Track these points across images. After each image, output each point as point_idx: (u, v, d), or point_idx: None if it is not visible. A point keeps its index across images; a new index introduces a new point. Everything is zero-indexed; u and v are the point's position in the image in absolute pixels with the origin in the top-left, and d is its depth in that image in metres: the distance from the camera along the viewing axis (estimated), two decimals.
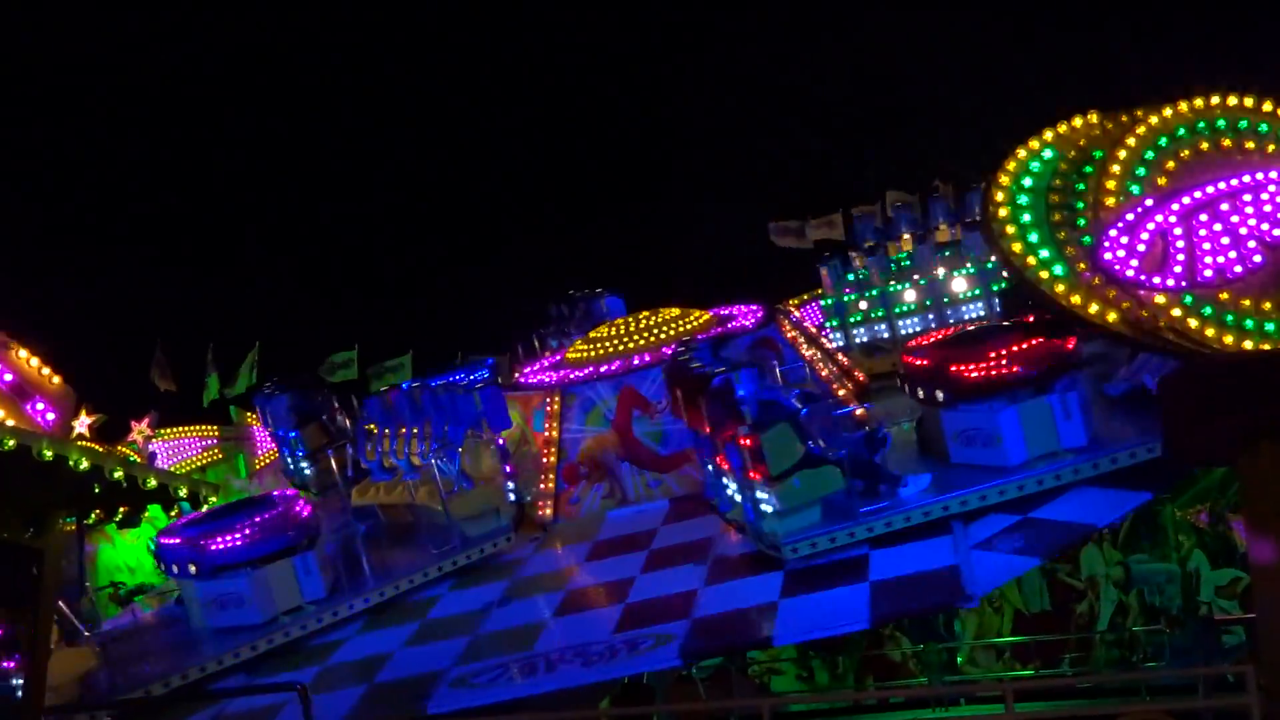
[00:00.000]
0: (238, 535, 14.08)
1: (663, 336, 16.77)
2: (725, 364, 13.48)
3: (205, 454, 23.85)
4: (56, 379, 10.70)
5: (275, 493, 16.44)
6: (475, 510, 15.46)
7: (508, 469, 15.62)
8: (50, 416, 10.31)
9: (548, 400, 16.24)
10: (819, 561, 12.00)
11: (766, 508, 12.37)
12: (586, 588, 13.59)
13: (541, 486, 16.02)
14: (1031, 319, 13.29)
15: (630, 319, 17.71)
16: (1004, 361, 12.33)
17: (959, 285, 17.77)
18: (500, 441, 15.67)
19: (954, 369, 12.66)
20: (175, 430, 23.66)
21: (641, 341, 16.74)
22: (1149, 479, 11.91)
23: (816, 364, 16.43)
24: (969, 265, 17.79)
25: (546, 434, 16.12)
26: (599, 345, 17.13)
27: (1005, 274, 15.38)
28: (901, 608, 11.51)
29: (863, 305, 18.29)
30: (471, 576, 14.73)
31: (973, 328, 14.90)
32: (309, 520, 14.60)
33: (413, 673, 12.11)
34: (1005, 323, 14.18)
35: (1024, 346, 12.36)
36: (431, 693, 11.32)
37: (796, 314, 18.86)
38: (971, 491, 12.16)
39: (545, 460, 16.10)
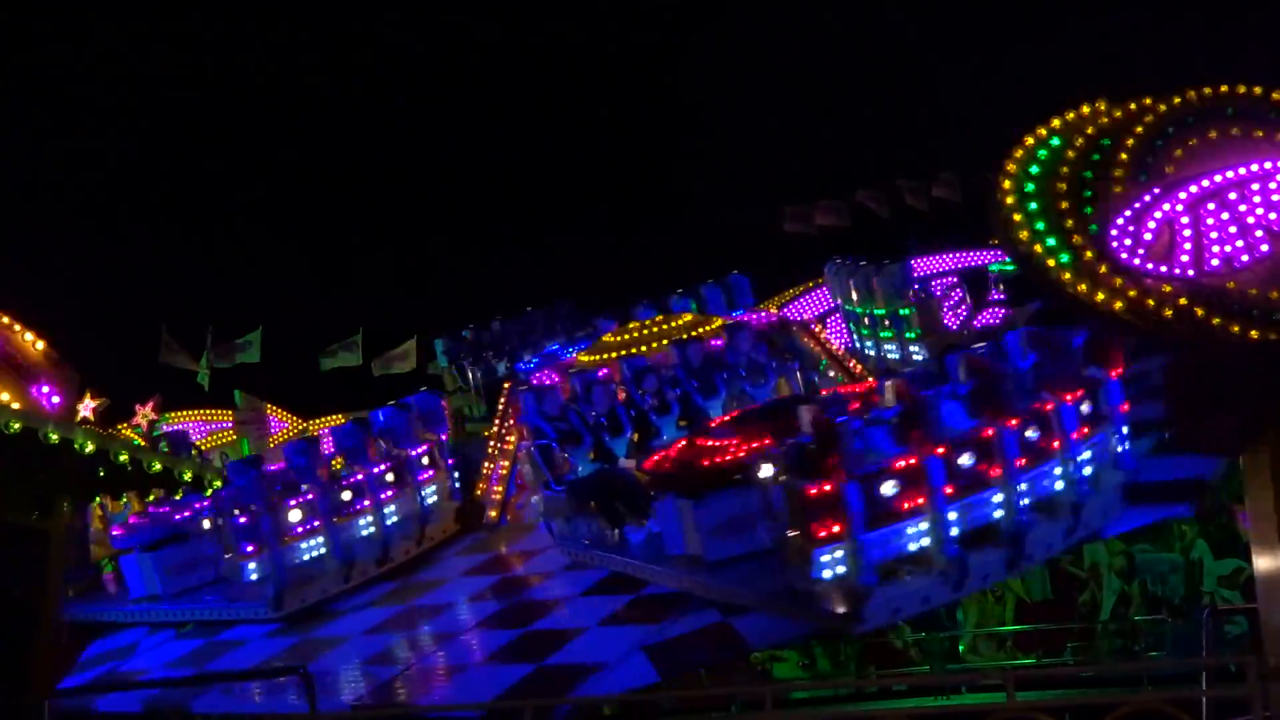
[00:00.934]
0: (132, 522, 15.00)
1: (644, 347, 16.57)
2: (685, 370, 14.70)
3: (212, 436, 23.90)
4: (30, 335, 10.67)
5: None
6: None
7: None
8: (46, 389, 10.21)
9: (511, 405, 16.26)
10: (566, 625, 12.12)
11: (541, 508, 13.90)
12: (428, 605, 13.62)
13: (495, 488, 16.02)
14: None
15: (647, 321, 17.49)
16: (674, 456, 12.69)
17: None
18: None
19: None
20: (182, 413, 23.71)
21: (633, 350, 16.59)
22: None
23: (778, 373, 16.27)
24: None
25: (507, 437, 16.16)
26: (605, 349, 17.03)
27: (1012, 260, 15.35)
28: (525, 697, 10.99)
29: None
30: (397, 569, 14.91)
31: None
32: (190, 519, 14.96)
33: (250, 665, 12.51)
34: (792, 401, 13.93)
35: (706, 444, 12.46)
36: (195, 697, 11.63)
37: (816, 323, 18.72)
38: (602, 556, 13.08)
39: (501, 464, 16.12)
